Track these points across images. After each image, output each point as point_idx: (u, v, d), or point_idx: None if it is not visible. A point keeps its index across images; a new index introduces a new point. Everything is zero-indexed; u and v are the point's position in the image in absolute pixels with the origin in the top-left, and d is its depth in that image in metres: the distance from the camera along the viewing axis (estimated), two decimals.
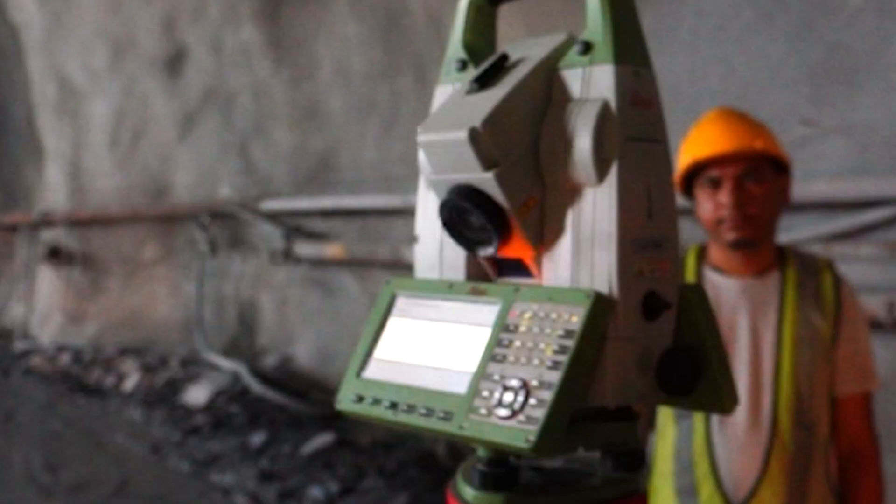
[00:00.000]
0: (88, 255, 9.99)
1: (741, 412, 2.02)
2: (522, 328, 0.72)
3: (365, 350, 0.81)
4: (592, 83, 0.75)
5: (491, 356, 0.72)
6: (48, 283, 10.44)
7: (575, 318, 0.70)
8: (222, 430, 6.46)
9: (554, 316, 0.71)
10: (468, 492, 0.77)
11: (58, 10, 9.65)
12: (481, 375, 0.72)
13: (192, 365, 8.11)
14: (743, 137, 2.06)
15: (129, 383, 7.99)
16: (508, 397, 0.69)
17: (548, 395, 0.68)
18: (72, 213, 10.05)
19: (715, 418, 2.04)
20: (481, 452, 0.77)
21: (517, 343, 0.72)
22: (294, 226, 7.58)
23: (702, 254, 2.16)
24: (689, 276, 2.12)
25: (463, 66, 0.84)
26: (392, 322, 0.82)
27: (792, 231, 3.86)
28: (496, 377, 0.71)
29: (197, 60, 8.42)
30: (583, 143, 0.73)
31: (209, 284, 8.43)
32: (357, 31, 6.87)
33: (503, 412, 0.69)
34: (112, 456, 6.26)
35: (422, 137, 0.76)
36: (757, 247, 2.09)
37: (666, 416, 2.12)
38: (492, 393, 0.70)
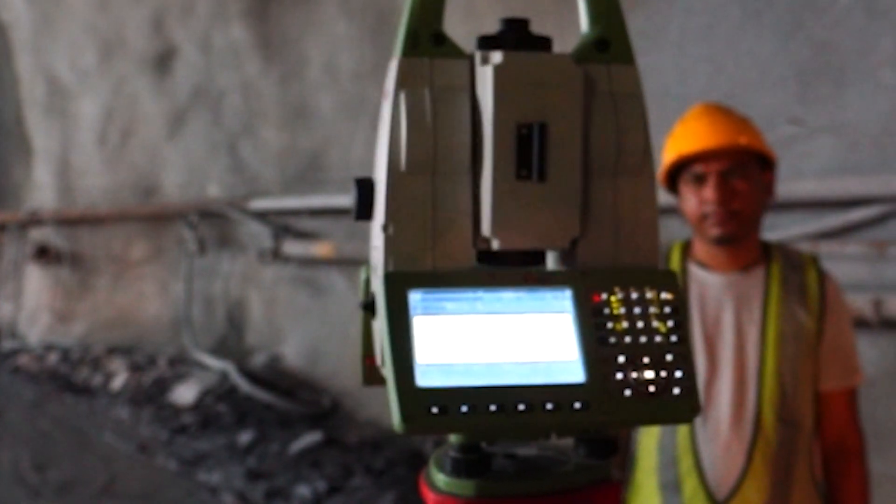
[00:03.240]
0: (77, 254, 9.94)
1: (725, 408, 2.02)
2: (619, 310, 0.75)
3: (404, 356, 0.72)
4: (614, 80, 0.79)
5: (597, 340, 0.73)
6: (36, 282, 10.39)
7: (671, 296, 0.76)
8: (210, 429, 6.43)
9: (649, 296, 0.76)
10: (440, 478, 0.76)
11: (46, 8, 9.61)
12: (596, 360, 0.73)
13: (180, 364, 8.08)
14: (728, 133, 2.05)
15: (117, 382, 7.95)
16: (648, 375, 0.72)
17: (689, 367, 0.73)
18: (60, 212, 9.99)
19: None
20: (454, 439, 0.77)
21: (623, 324, 0.74)
22: (283, 225, 7.55)
23: (686, 249, 2.16)
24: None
25: (439, 40, 0.79)
26: (420, 321, 0.74)
27: (779, 229, 3.86)
28: (620, 360, 0.73)
29: (186, 59, 8.39)
30: (637, 137, 0.78)
31: (198, 283, 8.40)
32: (346, 29, 6.85)
33: (652, 389, 0.72)
34: (100, 455, 6.23)
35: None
36: (741, 242, 2.09)
37: None
38: (626, 375, 0.72)
